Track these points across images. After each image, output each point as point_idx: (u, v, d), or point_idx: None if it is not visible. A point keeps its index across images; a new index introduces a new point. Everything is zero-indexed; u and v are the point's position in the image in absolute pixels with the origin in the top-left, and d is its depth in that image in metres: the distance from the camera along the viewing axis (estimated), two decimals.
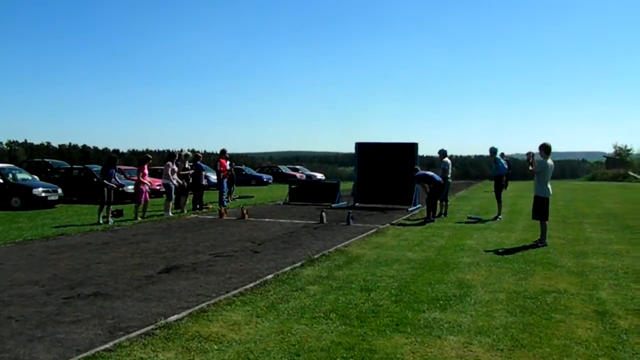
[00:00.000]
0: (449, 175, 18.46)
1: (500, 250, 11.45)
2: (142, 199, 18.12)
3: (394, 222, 16.69)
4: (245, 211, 18.27)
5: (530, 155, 12.75)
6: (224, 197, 22.14)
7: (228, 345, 5.70)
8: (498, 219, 17.28)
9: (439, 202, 18.00)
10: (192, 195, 21.37)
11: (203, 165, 22.76)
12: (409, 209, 20.52)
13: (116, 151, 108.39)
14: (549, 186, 12.30)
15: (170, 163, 19.60)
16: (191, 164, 21.66)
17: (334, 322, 6.51)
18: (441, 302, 7.38)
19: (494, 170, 18.19)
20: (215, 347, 5.64)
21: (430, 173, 17.94)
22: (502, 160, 19.08)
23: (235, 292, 7.88)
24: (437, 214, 17.69)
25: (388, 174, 21.91)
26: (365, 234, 13.90)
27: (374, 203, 22.33)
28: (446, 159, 18.62)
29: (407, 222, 16.78)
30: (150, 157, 19.58)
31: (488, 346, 5.65)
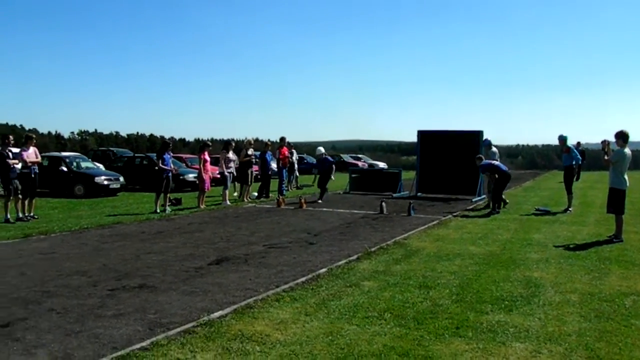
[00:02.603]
0: None
1: (571, 246, 10.68)
2: (206, 187, 18.00)
3: (456, 213, 16.00)
4: (303, 200, 17.90)
5: (605, 143, 11.87)
6: (283, 186, 21.94)
7: (271, 346, 5.29)
8: (568, 212, 16.31)
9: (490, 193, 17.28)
10: (259, 184, 21.35)
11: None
12: (473, 200, 19.77)
13: (182, 140, 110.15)
14: (626, 177, 11.42)
15: (225, 151, 19.41)
16: (256, 152, 21.70)
17: (388, 322, 6.03)
18: (506, 302, 6.78)
19: (564, 159, 17.21)
20: (258, 348, 5.24)
21: (496, 162, 17.14)
22: (576, 150, 18.08)
23: (286, 286, 7.48)
24: (502, 206, 16.87)
25: (451, 163, 21.14)
26: (426, 226, 13.32)
27: (437, 193, 21.62)
28: (494, 149, 17.84)
29: (471, 214, 16.06)
30: (210, 144, 19.42)
31: (559, 356, 5.04)
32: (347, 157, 51.10)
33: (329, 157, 21.42)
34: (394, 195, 21.68)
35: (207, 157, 18.24)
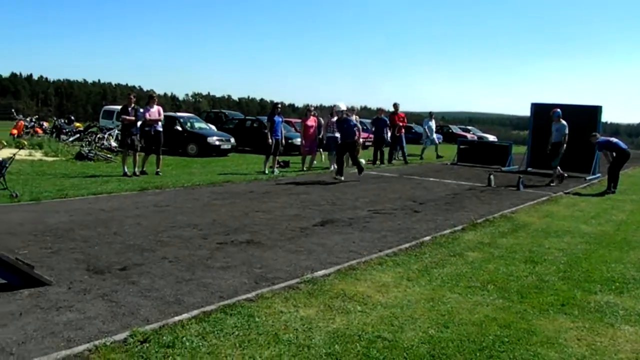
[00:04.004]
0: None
1: None
2: (307, 151, 18.25)
3: (568, 190, 15.42)
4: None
5: None
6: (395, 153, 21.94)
7: (372, 307, 5.36)
8: None
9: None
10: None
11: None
12: (587, 178, 18.97)
13: (291, 105, 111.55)
14: None
15: (329, 116, 19.45)
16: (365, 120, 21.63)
17: (491, 294, 5.96)
18: (617, 284, 6.53)
19: None
20: (359, 308, 5.32)
21: (615, 140, 16.31)
22: None
23: (389, 251, 7.52)
24: (614, 186, 16.02)
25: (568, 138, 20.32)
26: (535, 201, 12.94)
27: (549, 169, 20.91)
28: (563, 122, 16.70)
29: (584, 192, 15.45)
30: (312, 109, 19.59)
31: None
32: (455, 129, 50.22)
33: (352, 119, 16.57)
34: (503, 168, 21.15)
35: (309, 122, 18.43)
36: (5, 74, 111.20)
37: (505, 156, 22.27)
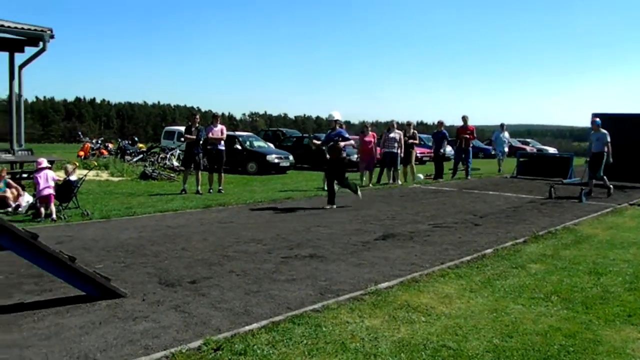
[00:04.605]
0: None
1: None
2: (364, 168, 18.41)
3: (633, 202, 15.12)
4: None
5: None
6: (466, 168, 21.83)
7: (436, 318, 5.45)
8: None
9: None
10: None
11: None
12: None
13: (347, 122, 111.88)
14: None
15: (386, 132, 19.48)
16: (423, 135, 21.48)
17: (555, 305, 5.96)
18: None
19: None
20: (423, 318, 5.42)
21: None
22: None
23: (451, 264, 7.58)
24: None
25: (629, 149, 19.90)
26: (598, 213, 12.74)
27: (612, 180, 20.47)
28: (603, 130, 16.13)
29: None
30: (368, 126, 19.72)
31: None
32: (514, 141, 49.54)
33: (343, 131, 13.64)
34: (564, 181, 20.80)
35: (367, 138, 18.57)
36: (70, 98, 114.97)
37: (567, 168, 21.88)
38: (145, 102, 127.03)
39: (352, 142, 13.91)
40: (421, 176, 20.78)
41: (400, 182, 19.01)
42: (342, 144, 13.18)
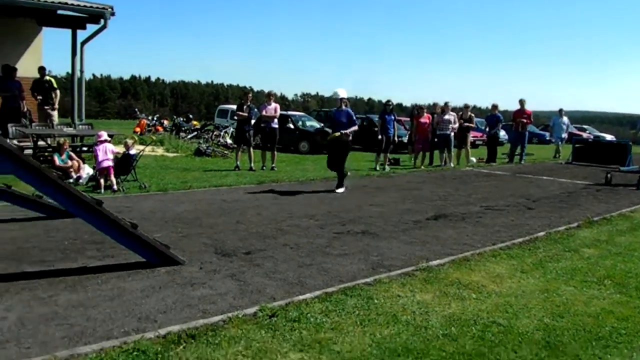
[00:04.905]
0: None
1: None
2: (420, 148, 18.40)
3: None
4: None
5: None
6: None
7: (487, 295, 5.50)
8: None
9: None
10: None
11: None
12: None
13: (399, 104, 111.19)
14: None
15: (439, 114, 19.31)
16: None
17: (608, 289, 5.94)
18: None
19: None
20: (474, 295, 5.48)
21: None
22: None
23: (502, 245, 7.59)
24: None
25: None
26: None
27: None
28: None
29: None
30: (423, 108, 19.61)
31: None
32: (571, 128, 48.54)
33: (349, 110, 12.38)
34: (622, 168, 20.35)
35: (423, 119, 18.49)
36: (126, 76, 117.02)
37: (624, 155, 21.38)
38: (199, 81, 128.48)
39: (356, 127, 12.69)
40: (474, 160, 20.58)
41: (453, 165, 18.91)
42: (350, 130, 12.13)
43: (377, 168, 16.94)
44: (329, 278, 5.86)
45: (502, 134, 26.57)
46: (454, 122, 18.81)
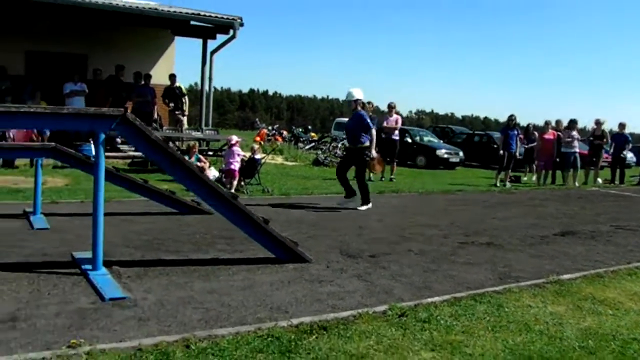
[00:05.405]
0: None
1: None
2: (543, 166, 17.92)
3: None
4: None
5: None
6: None
7: (625, 312, 5.24)
8: None
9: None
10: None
11: None
12: None
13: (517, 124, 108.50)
14: None
15: (567, 131, 18.51)
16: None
17: None
18: None
19: None
20: (610, 311, 5.24)
21: None
22: None
23: (638, 264, 7.21)
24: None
25: None
26: None
27: None
28: None
29: None
30: (549, 124, 18.93)
31: None
32: None
33: (361, 112, 10.48)
34: None
35: (547, 136, 17.94)
36: (245, 89, 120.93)
37: None
38: (314, 95, 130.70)
39: (374, 132, 10.71)
40: (600, 181, 19.64)
41: (578, 184, 18.15)
42: (367, 143, 10.37)
43: (497, 184, 16.55)
44: (456, 284, 5.78)
45: (630, 156, 25.31)
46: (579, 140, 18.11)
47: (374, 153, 10.48)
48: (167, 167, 5.64)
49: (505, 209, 11.72)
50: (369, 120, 10.45)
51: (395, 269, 6.22)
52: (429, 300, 5.13)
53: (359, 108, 10.44)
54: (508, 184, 16.78)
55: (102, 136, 5.08)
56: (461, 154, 24.08)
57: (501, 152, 16.61)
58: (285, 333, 4.15)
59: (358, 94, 10.43)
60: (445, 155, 23.36)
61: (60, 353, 3.61)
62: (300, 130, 32.59)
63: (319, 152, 23.21)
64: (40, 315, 4.23)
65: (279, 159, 20.83)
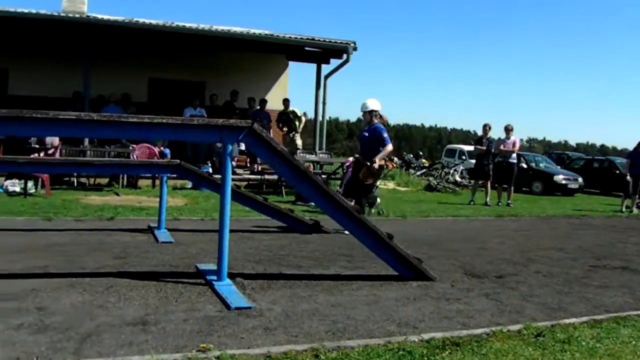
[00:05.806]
0: None
1: None
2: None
3: None
4: None
5: None
6: None
7: None
8: None
9: None
10: None
11: None
12: None
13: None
14: None
15: None
16: None
17: None
18: None
19: None
20: None
21: None
22: None
23: None
24: None
25: None
26: None
27: None
28: None
29: None
30: None
31: None
32: None
33: (377, 125, 9.23)
34: None
35: None
36: (353, 119, 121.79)
37: None
38: (422, 124, 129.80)
39: (389, 148, 9.25)
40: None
41: None
42: (378, 157, 8.95)
43: (623, 210, 15.65)
44: (592, 307, 5.42)
45: None
46: None
47: (376, 162, 8.92)
48: (292, 178, 5.65)
49: (637, 234, 11.05)
50: (385, 134, 9.19)
51: (524, 289, 5.92)
52: (567, 321, 4.82)
53: (375, 120, 9.28)
54: (635, 210, 15.82)
55: (230, 147, 5.14)
56: (580, 180, 23.00)
57: (628, 177, 15.72)
58: (416, 347, 3.99)
59: (373, 105, 9.28)
60: (564, 181, 22.37)
61: (190, 356, 3.63)
62: (411, 156, 32.35)
63: (431, 178, 22.86)
64: (168, 321, 4.29)
65: (391, 185, 20.66)
